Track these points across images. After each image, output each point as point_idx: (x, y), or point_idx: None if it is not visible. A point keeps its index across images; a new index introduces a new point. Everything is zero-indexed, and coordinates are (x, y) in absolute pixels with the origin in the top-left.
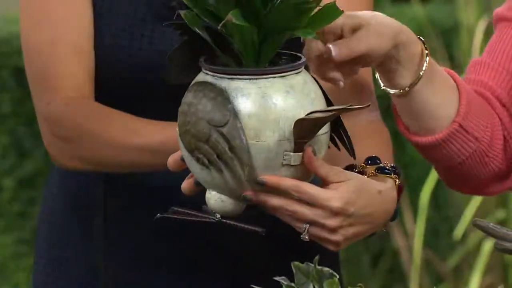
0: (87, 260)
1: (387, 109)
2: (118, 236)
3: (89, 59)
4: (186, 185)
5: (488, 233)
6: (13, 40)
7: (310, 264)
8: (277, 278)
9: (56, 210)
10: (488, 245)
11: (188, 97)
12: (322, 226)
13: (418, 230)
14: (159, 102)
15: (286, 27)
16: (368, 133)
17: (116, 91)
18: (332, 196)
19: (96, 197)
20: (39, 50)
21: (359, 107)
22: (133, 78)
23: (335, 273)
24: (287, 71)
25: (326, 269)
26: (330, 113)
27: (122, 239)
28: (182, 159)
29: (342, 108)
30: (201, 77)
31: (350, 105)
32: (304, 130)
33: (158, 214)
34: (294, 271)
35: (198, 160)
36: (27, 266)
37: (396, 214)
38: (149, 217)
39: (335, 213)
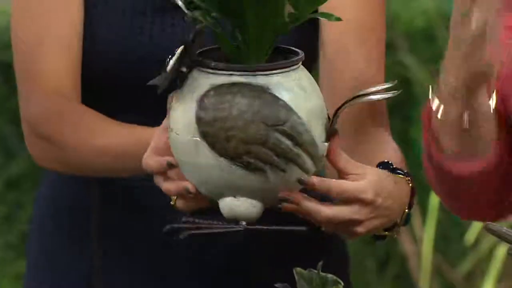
0: (82, 266)
1: (391, 108)
2: (113, 241)
3: (77, 56)
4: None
5: (501, 238)
6: None
7: (314, 270)
8: (278, 285)
9: (49, 214)
10: (501, 250)
11: (217, 102)
12: (351, 220)
13: (428, 234)
14: (157, 97)
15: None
16: (380, 149)
17: (113, 86)
18: (364, 189)
19: (91, 200)
20: (26, 45)
21: (385, 87)
22: (130, 73)
23: (339, 280)
24: (299, 62)
25: (330, 275)
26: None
27: (117, 245)
28: (170, 164)
29: (374, 91)
30: (223, 79)
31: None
32: (337, 118)
33: (168, 226)
34: (296, 277)
35: (248, 165)
36: (14, 272)
37: (407, 219)
38: (145, 222)
39: (366, 204)
